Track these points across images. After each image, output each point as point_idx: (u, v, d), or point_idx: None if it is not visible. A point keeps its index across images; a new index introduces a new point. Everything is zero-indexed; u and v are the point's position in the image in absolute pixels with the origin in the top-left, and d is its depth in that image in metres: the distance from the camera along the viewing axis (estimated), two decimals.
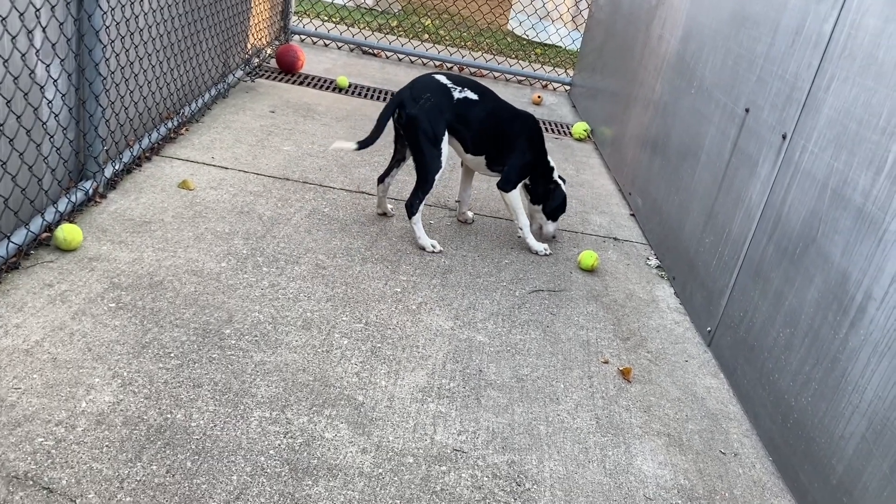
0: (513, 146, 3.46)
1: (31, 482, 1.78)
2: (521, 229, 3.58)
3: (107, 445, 1.94)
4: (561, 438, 2.33)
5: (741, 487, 2.27)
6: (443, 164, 3.34)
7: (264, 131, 4.41)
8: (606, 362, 2.79)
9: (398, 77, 6.35)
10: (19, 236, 2.59)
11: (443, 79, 3.35)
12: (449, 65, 6.93)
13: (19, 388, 2.06)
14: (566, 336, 2.92)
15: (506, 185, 3.51)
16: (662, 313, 3.27)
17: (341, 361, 2.46)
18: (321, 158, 4.17)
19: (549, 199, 3.61)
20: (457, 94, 3.32)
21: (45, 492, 1.77)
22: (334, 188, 3.82)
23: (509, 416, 2.38)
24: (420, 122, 3.25)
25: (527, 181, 3.63)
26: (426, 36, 8.02)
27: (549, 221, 3.68)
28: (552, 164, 3.62)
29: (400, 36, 7.64)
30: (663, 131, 4.02)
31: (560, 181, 3.63)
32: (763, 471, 2.37)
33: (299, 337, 2.54)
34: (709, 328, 3.03)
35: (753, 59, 3.04)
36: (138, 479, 1.86)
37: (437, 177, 3.34)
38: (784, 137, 2.68)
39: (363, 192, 3.84)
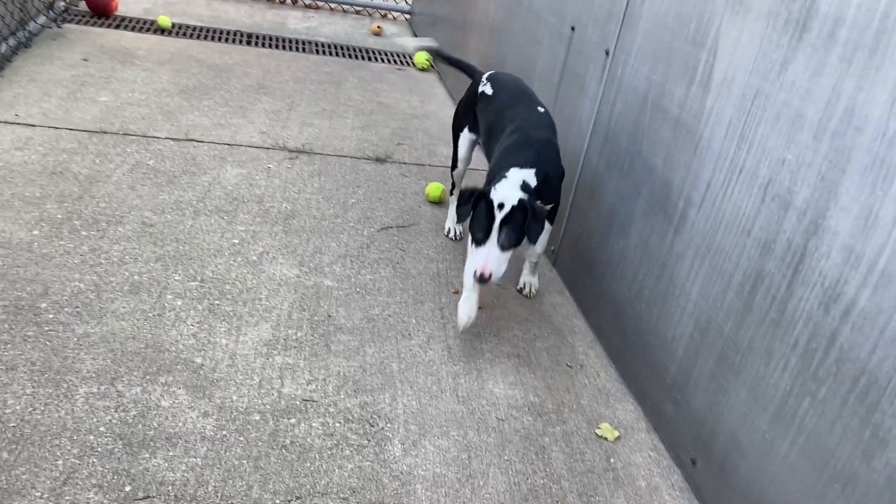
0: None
1: None
2: None
3: None
4: (414, 373, 2.32)
5: (588, 397, 2.37)
6: (460, 155, 3.14)
7: (77, 82, 4.01)
8: (457, 292, 2.80)
9: (228, 14, 5.96)
10: None
11: (485, 74, 3.01)
12: None
13: None
14: (416, 270, 2.89)
15: None
16: None
17: (176, 324, 2.31)
18: (143, 107, 3.85)
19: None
20: (480, 88, 2.93)
21: None
22: (159, 138, 3.55)
23: (360, 359, 2.34)
24: (456, 112, 3.22)
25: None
26: None
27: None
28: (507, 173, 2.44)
29: None
30: (499, 56, 4.00)
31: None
32: (607, 378, 2.47)
33: (127, 303, 2.36)
34: (552, 247, 3.10)
35: None
36: None
37: (456, 170, 3.21)
38: (607, 53, 2.71)
39: (192, 140, 3.59)
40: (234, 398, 2.06)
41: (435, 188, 3.49)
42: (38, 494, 1.67)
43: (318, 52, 5.52)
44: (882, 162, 1.52)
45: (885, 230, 1.50)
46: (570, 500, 1.94)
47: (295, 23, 6.11)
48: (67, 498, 1.67)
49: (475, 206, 2.36)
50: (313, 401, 2.12)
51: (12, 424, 1.84)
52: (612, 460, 2.12)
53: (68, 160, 3.17)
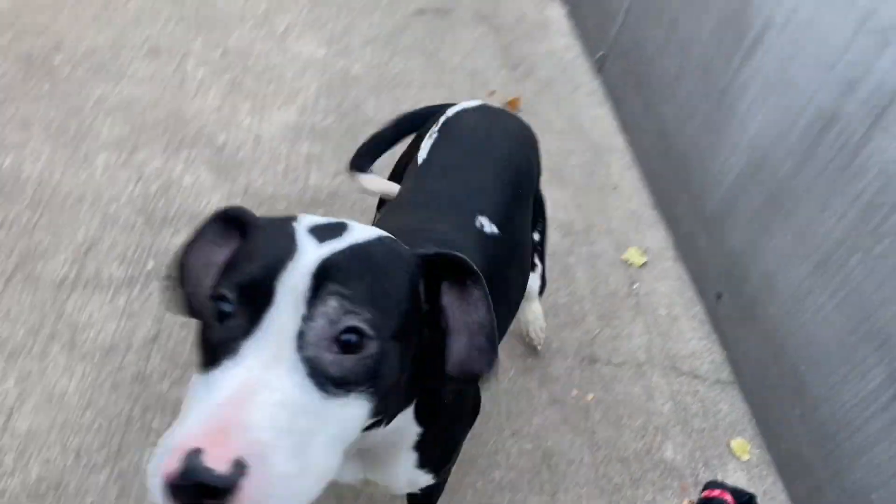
0: None
1: None
2: None
3: None
4: None
5: (618, 220, 2.30)
6: None
7: None
8: (493, 93, 2.63)
9: None
10: None
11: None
12: None
13: None
14: (451, 65, 2.70)
15: None
16: (553, 37, 3.06)
17: (198, 95, 2.18)
18: None
19: None
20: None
21: None
22: None
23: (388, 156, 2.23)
24: None
25: None
26: None
27: None
28: None
29: None
30: None
31: None
32: (640, 203, 2.39)
33: (146, 67, 2.21)
34: (600, 53, 2.88)
35: None
36: None
37: None
38: None
39: None
40: (259, 183, 1.99)
41: None
42: (63, 259, 1.64)
43: None
44: None
45: None
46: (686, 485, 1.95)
47: None
48: (91, 267, 1.65)
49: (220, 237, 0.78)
50: (339, 195, 2.04)
51: (31, 186, 1.78)
52: (635, 286, 2.10)
53: None
